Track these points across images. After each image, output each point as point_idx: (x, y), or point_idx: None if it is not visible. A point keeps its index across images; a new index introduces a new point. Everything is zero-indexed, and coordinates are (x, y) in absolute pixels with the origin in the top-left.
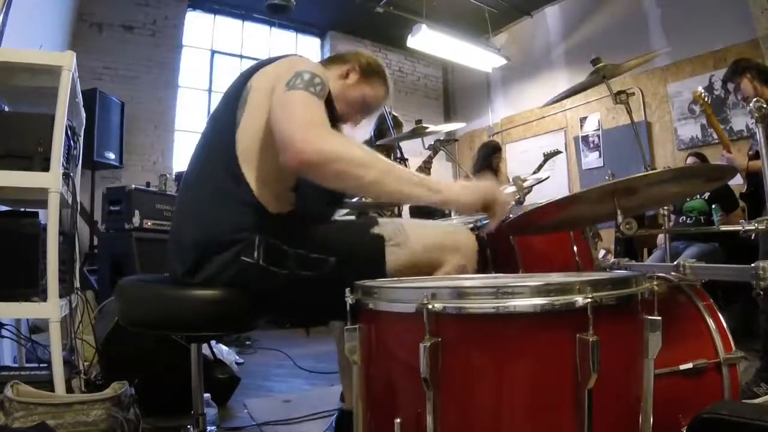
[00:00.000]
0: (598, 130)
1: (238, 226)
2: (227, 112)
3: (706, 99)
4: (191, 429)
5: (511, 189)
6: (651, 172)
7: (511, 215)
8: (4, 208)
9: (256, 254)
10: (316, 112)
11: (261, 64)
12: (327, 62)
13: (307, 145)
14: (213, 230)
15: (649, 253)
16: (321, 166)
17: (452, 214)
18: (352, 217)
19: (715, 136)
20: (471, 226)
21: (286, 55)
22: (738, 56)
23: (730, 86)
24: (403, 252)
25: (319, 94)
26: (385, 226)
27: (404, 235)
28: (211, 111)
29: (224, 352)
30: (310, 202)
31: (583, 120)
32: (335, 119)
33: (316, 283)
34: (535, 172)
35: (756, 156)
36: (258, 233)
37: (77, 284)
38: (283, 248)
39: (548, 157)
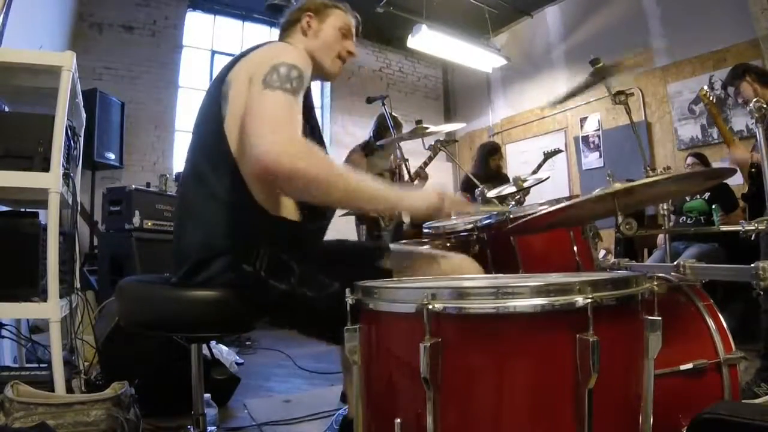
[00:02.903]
0: (598, 130)
1: (236, 229)
2: (211, 110)
3: (711, 98)
4: (191, 429)
5: (511, 189)
6: (651, 179)
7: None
8: (4, 208)
9: (258, 264)
10: (287, 116)
11: (239, 56)
12: (284, 32)
13: (273, 160)
14: (212, 233)
15: (649, 254)
16: (285, 181)
17: (452, 214)
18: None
19: (716, 136)
20: (471, 226)
21: (264, 43)
22: (738, 56)
23: (731, 90)
24: None
25: (296, 90)
26: (395, 258)
27: (411, 270)
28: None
29: (224, 352)
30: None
31: (583, 120)
32: (328, 75)
33: (314, 303)
34: (534, 172)
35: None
36: (261, 240)
37: (77, 284)
38: (288, 263)
39: (548, 156)
